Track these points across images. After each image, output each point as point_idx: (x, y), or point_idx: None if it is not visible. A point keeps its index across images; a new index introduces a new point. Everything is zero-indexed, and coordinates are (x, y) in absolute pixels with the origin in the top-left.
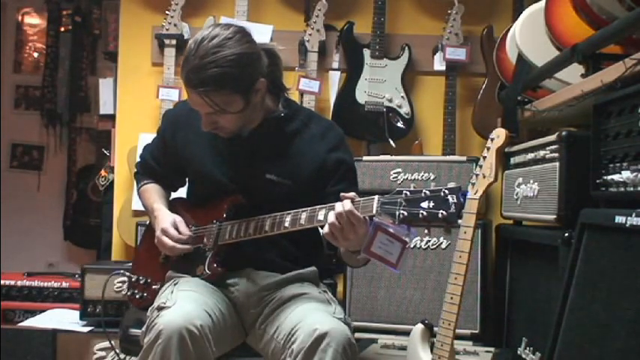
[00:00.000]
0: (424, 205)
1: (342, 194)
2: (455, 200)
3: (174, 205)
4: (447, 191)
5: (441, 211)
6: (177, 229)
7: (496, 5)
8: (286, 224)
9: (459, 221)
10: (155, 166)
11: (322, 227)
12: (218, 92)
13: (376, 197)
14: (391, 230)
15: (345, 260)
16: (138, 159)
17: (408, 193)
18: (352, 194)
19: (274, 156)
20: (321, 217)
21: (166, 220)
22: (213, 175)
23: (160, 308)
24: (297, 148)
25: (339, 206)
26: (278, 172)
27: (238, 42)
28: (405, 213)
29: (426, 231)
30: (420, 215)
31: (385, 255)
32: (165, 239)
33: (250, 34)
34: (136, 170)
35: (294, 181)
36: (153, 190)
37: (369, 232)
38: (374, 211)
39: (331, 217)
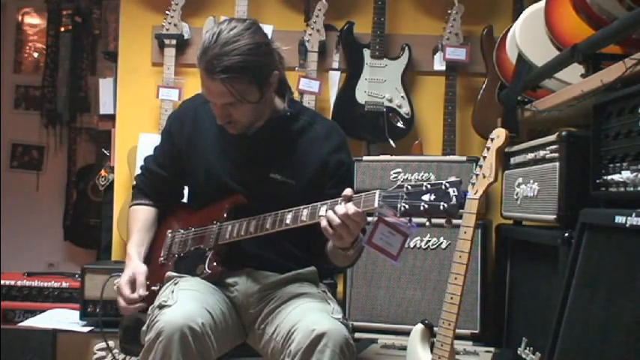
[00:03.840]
0: (425, 198)
1: (343, 194)
2: (456, 193)
3: (174, 209)
4: (447, 184)
5: (442, 203)
6: (133, 284)
7: (496, 5)
8: (287, 221)
9: (459, 221)
10: (160, 171)
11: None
12: (240, 80)
13: (377, 191)
14: (393, 222)
15: (333, 260)
16: (138, 171)
17: (409, 186)
18: (349, 190)
19: (278, 155)
20: (322, 212)
21: (126, 273)
22: (217, 173)
23: (161, 307)
24: (301, 148)
25: (341, 209)
26: (282, 172)
27: (255, 33)
28: (407, 206)
29: (427, 223)
30: (422, 208)
31: (386, 246)
32: (120, 299)
33: (262, 27)
34: (134, 183)
35: (297, 181)
36: (138, 218)
37: (370, 224)
38: (376, 205)
39: (336, 220)
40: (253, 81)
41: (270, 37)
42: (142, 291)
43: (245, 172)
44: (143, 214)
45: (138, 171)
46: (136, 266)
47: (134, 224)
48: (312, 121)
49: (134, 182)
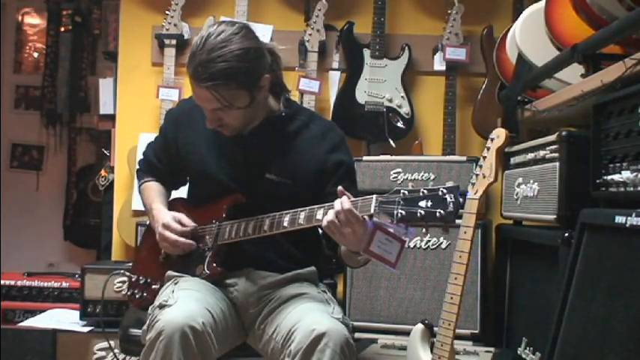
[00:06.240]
0: (422, 204)
1: (339, 189)
2: (453, 199)
3: (173, 205)
4: (444, 190)
5: (439, 210)
6: (180, 222)
7: (496, 5)
8: (285, 224)
9: (459, 221)
10: (157, 163)
11: (321, 227)
12: (226, 86)
13: (374, 197)
14: (390, 230)
15: (346, 261)
16: (140, 156)
17: (406, 192)
18: (347, 196)
19: (275, 155)
20: (319, 216)
21: (166, 216)
22: (213, 174)
23: (161, 306)
24: (298, 148)
25: (337, 204)
26: (278, 172)
27: (244, 37)
28: (403, 212)
29: (424, 230)
30: (418, 214)
31: (384, 254)
32: (168, 233)
33: (254, 31)
34: (138, 167)
35: (294, 181)
36: (153, 188)
37: (367, 232)
38: (372, 211)
39: (330, 215)
40: (241, 87)
41: (270, 38)
42: (191, 223)
43: (241, 171)
44: (157, 186)
45: (141, 156)
46: (174, 212)
47: (152, 193)
48: (308, 121)
49: (137, 166)
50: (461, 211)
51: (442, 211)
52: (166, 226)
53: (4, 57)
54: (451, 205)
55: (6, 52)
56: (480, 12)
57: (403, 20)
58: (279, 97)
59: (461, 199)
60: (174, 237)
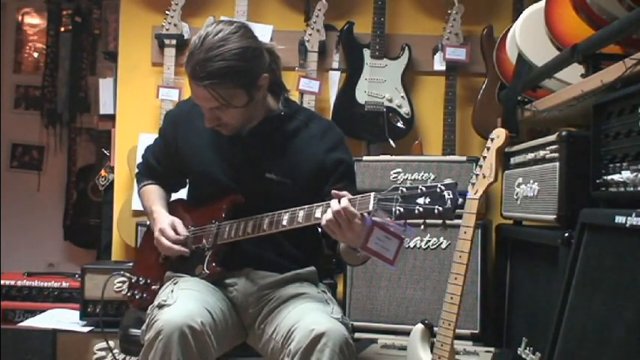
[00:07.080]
0: (420, 201)
1: (333, 192)
2: (451, 196)
3: (174, 206)
4: (442, 187)
5: (437, 206)
6: (175, 229)
7: (496, 5)
8: (284, 222)
9: (459, 221)
10: (156, 165)
11: (320, 225)
12: (224, 85)
13: (372, 194)
14: (388, 226)
15: (345, 258)
16: (140, 159)
17: (404, 189)
18: (344, 192)
19: (274, 155)
20: (318, 214)
21: (164, 221)
22: (213, 174)
23: (160, 306)
24: (297, 148)
25: (334, 204)
26: (278, 171)
27: (242, 37)
28: (402, 209)
29: (422, 227)
30: (416, 211)
31: (381, 251)
32: (163, 239)
33: (252, 30)
34: (137, 170)
35: (293, 180)
36: (152, 191)
37: (365, 229)
38: (370, 208)
39: (328, 215)
40: (239, 86)
41: (270, 38)
42: (185, 232)
43: (241, 171)
44: (156, 189)
45: (140, 159)
46: (172, 217)
47: (152, 196)
48: (307, 120)
49: (136, 169)
50: (461, 211)
51: (440, 208)
52: (162, 232)
53: (4, 57)
54: (449, 201)
55: (6, 52)
56: (480, 12)
57: (403, 20)
58: (278, 96)
59: (459, 197)
60: (168, 244)
